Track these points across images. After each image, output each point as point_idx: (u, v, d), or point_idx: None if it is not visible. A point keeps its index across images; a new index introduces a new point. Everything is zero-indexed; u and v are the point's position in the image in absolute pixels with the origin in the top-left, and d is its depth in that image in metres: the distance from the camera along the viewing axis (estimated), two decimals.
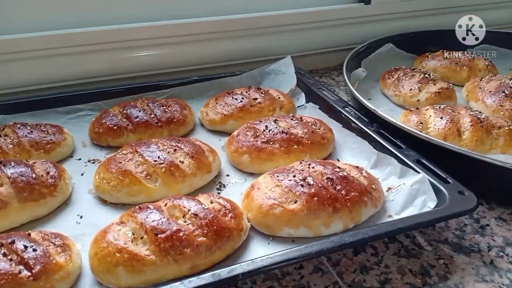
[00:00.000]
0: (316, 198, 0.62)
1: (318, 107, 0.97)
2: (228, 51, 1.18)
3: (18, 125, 0.83)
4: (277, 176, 0.67)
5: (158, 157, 0.72)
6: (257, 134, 0.81)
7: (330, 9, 1.28)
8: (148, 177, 0.70)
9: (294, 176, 0.66)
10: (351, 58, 1.11)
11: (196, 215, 0.59)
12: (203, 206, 0.61)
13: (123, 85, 1.03)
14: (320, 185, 0.64)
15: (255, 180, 0.71)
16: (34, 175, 0.69)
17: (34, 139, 0.81)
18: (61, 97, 0.97)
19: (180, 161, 0.73)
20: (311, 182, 0.64)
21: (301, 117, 0.87)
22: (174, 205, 0.61)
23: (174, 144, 0.76)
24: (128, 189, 0.69)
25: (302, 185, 0.64)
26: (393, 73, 1.13)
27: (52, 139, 0.83)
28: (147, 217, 0.58)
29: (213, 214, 0.60)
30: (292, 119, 0.85)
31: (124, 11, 1.08)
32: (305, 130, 0.82)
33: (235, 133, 0.85)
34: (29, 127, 0.83)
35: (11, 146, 0.79)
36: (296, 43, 1.26)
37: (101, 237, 0.58)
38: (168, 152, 0.74)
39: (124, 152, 0.75)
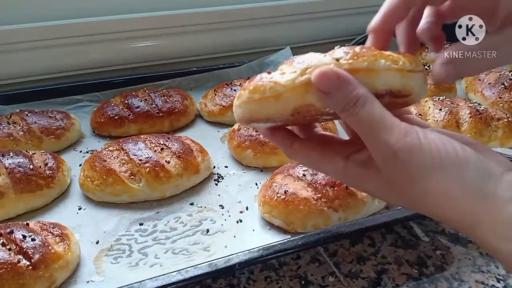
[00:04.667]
0: None
1: None
2: (227, 42, 1.18)
3: (25, 112, 0.84)
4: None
5: (144, 156, 0.71)
6: None
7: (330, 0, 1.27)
8: (132, 177, 0.69)
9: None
10: None
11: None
12: None
13: (122, 76, 1.03)
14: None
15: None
16: (31, 166, 0.69)
17: (43, 125, 0.82)
18: (59, 88, 0.96)
19: (166, 161, 0.71)
20: None
21: None
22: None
23: (162, 142, 0.74)
24: (111, 189, 0.69)
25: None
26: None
27: (61, 125, 0.84)
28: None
29: None
30: None
31: (122, 1, 1.07)
32: None
33: (235, 126, 0.84)
34: (36, 114, 0.84)
35: (21, 133, 0.80)
36: (296, 34, 1.25)
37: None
38: (155, 151, 0.72)
39: (110, 148, 0.74)
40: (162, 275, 0.51)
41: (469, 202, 0.32)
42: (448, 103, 0.89)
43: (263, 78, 0.36)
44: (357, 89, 0.33)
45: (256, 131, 0.80)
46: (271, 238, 0.61)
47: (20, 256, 0.53)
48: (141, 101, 0.90)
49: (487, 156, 0.34)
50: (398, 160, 0.32)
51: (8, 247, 0.53)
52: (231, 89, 0.95)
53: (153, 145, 0.74)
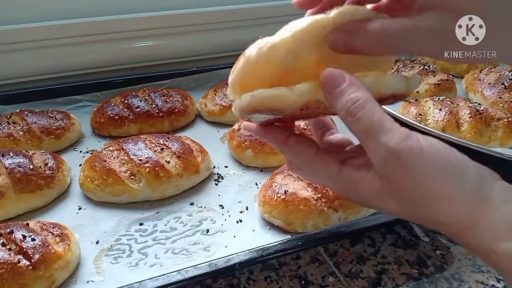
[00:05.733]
0: None
1: None
2: (227, 42, 1.18)
3: (25, 112, 0.84)
4: None
5: (144, 156, 0.71)
6: None
7: None
8: (132, 177, 0.69)
9: None
10: None
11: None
12: None
13: (122, 76, 1.03)
14: None
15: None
16: (31, 166, 0.69)
17: (43, 125, 0.82)
18: (59, 88, 0.96)
19: (166, 161, 0.71)
20: None
21: None
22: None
23: (162, 142, 0.74)
24: (111, 189, 0.68)
25: None
26: (392, 65, 1.13)
27: (61, 125, 0.84)
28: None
29: None
30: None
31: (122, 1, 1.07)
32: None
33: (235, 126, 0.84)
34: (36, 114, 0.84)
35: (21, 133, 0.80)
36: None
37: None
38: (155, 151, 0.72)
39: (110, 148, 0.74)
40: (162, 275, 0.51)
41: (468, 203, 0.33)
42: (448, 103, 0.89)
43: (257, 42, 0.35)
44: (358, 91, 0.33)
45: None
46: (271, 238, 0.61)
47: (20, 256, 0.53)
48: (141, 101, 0.90)
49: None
50: (400, 162, 0.32)
51: (8, 247, 0.53)
52: None
53: (153, 145, 0.74)
